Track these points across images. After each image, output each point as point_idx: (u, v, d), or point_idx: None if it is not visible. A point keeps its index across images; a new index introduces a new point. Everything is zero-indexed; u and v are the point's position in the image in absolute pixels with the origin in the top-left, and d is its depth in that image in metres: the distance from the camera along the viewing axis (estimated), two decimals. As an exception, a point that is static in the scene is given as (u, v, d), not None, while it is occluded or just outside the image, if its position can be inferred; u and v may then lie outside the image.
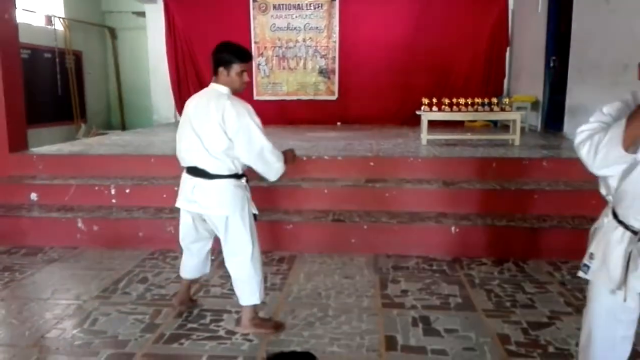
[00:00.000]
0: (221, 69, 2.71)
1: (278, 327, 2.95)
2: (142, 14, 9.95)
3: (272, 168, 2.76)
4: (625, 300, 1.93)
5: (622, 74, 5.24)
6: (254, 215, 2.92)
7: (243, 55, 2.74)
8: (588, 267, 2.12)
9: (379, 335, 2.86)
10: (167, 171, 5.15)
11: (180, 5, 9.28)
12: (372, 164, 5.11)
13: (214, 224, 2.83)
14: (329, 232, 4.36)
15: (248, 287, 2.85)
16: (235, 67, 2.70)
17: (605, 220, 2.08)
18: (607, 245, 2.04)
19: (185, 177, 2.85)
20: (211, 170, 2.70)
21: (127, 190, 4.87)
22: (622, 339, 2.08)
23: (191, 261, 3.10)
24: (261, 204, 4.55)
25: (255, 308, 2.93)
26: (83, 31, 10.34)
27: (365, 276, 3.79)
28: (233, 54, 2.71)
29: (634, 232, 1.93)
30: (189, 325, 3.01)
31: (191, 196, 2.79)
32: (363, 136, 7.13)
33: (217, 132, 2.62)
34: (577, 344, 2.73)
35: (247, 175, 2.90)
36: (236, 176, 2.76)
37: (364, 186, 4.79)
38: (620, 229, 1.99)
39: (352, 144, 6.31)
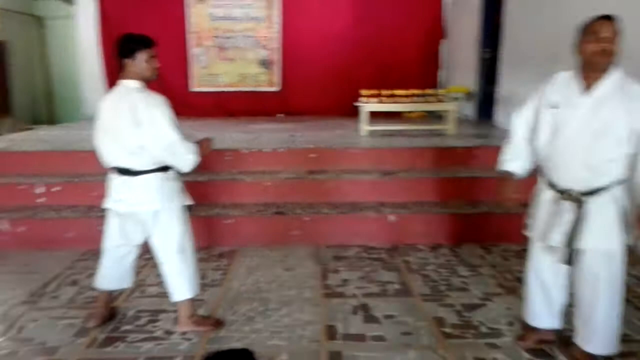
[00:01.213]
0: (127, 61, 2.58)
1: (218, 324, 2.91)
2: (71, 2, 9.43)
3: (182, 160, 2.62)
4: (569, 263, 2.37)
5: (550, 64, 5.48)
6: (189, 206, 2.84)
7: (146, 41, 2.62)
8: (527, 225, 2.59)
9: (319, 326, 2.89)
10: (97, 167, 4.84)
11: (111, -7, 8.87)
12: (313, 155, 5.11)
13: (142, 221, 2.72)
14: (270, 225, 4.33)
15: (180, 281, 2.78)
16: (141, 55, 2.58)
17: (541, 183, 2.46)
18: (538, 204, 2.49)
19: (112, 176, 2.74)
20: (135, 167, 2.61)
21: (55, 189, 4.62)
22: (552, 286, 2.53)
23: (111, 269, 2.91)
24: (200, 199, 4.49)
25: (192, 305, 2.87)
26: (8, 20, 9.67)
27: (307, 267, 3.80)
28: (136, 42, 2.60)
29: (559, 192, 2.35)
30: (124, 328, 2.91)
31: (118, 195, 2.69)
32: (304, 128, 7.12)
33: (130, 128, 2.53)
34: (507, 323, 2.89)
35: None
36: (163, 169, 2.67)
37: (305, 178, 4.79)
38: (548, 189, 2.42)
39: (294, 135, 6.28)
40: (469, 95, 7.90)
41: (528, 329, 2.71)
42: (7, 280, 3.62)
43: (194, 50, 9.10)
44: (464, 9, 8.21)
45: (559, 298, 2.57)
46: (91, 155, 5.02)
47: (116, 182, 2.70)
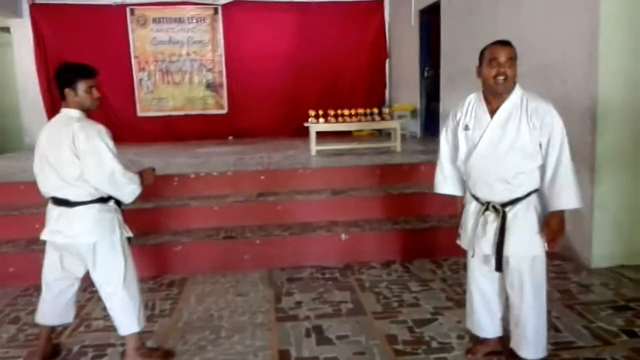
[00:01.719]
0: (67, 90, 2.55)
1: (167, 355, 2.83)
2: (7, 30, 9.10)
3: (124, 191, 2.60)
4: (499, 269, 2.50)
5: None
6: (128, 239, 2.77)
7: (87, 71, 2.60)
8: (459, 235, 2.73)
9: (272, 351, 2.86)
10: (39, 199, 4.68)
11: (49, 20, 8.62)
12: (262, 177, 5.12)
13: (81, 254, 2.63)
14: (220, 250, 4.28)
15: (125, 316, 2.69)
16: (82, 85, 2.56)
17: (467, 195, 2.64)
18: (466, 216, 2.65)
19: (50, 207, 2.64)
20: (72, 198, 2.54)
21: (-7, 223, 4.41)
22: (491, 295, 2.66)
23: (53, 304, 2.79)
24: (147, 227, 4.41)
25: (140, 337, 2.79)
26: (-64, 48, 9.24)
27: (260, 292, 3.77)
28: (76, 72, 2.58)
29: (482, 204, 2.52)
30: (68, 365, 2.79)
31: (55, 226, 2.59)
32: (254, 150, 7.12)
33: (70, 158, 2.48)
34: (457, 336, 2.95)
35: None
36: (101, 200, 2.60)
37: (256, 200, 4.78)
38: (473, 201, 2.59)
39: (243, 158, 6.27)
40: (413, 113, 8.13)
41: (476, 341, 2.80)
42: (-61, 324, 3.40)
43: (139, 75, 8.97)
44: (404, 29, 8.50)
45: (497, 306, 2.68)
46: (32, 186, 4.83)
47: (53, 213, 2.60)
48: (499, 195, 2.45)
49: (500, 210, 2.45)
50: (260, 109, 9.06)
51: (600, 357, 2.68)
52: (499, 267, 2.50)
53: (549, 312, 3.13)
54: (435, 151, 6.12)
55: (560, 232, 2.45)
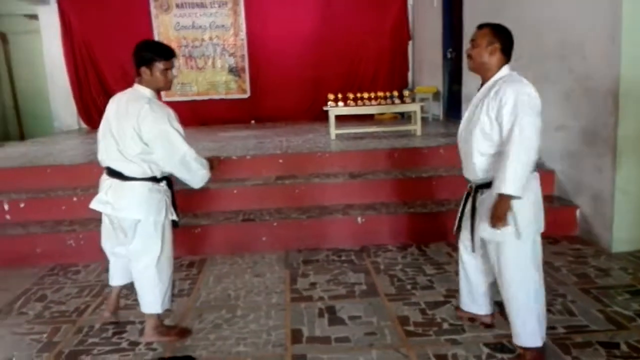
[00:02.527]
0: (143, 69, 2.61)
1: (184, 333, 2.92)
2: (35, 17, 9.32)
3: (196, 175, 2.69)
4: (472, 249, 2.63)
5: (511, 62, 5.63)
6: (173, 222, 2.85)
7: (166, 52, 2.64)
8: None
9: (285, 330, 2.92)
10: (65, 182, 4.92)
11: (75, 6, 8.79)
12: (281, 161, 5.16)
13: (123, 227, 2.70)
14: (239, 232, 4.35)
15: (150, 295, 2.78)
16: (158, 65, 2.61)
17: None
18: (462, 200, 2.71)
19: (103, 177, 2.74)
20: (126, 172, 2.62)
21: (22, 205, 4.58)
22: (473, 270, 2.75)
23: (119, 265, 2.96)
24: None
25: (159, 316, 2.89)
26: (-32, 36, 9.54)
27: (276, 273, 3.84)
28: (154, 51, 2.62)
29: (468, 183, 2.59)
30: (90, 340, 2.91)
31: (105, 197, 2.67)
32: (274, 133, 7.16)
33: (132, 135, 2.54)
34: (469, 319, 2.96)
35: (171, 179, 2.82)
36: (153, 179, 2.67)
37: (274, 184, 4.83)
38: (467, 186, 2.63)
39: (263, 142, 6.32)
40: (436, 95, 8.03)
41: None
42: (-27, 300, 3.58)
43: (162, 60, 9.05)
44: (426, 10, 8.35)
45: (478, 282, 2.78)
46: (58, 169, 5.06)
47: (106, 184, 2.69)
48: (472, 175, 2.53)
49: (475, 190, 2.54)
50: (282, 92, 9.07)
51: (614, 341, 2.66)
52: (473, 247, 2.61)
53: (563, 295, 3.15)
54: (455, 134, 6.10)
55: (499, 219, 2.30)
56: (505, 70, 2.47)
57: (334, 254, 4.19)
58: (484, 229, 2.44)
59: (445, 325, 2.92)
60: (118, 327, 3.04)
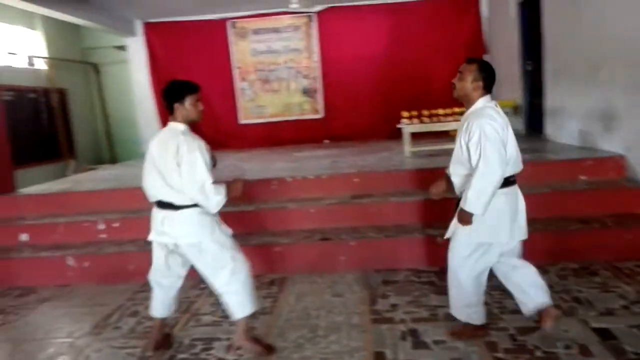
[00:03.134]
0: (177, 105, 2.82)
1: (270, 349, 2.99)
2: (123, 48, 10.06)
3: (211, 201, 2.79)
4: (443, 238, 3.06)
5: (594, 73, 5.35)
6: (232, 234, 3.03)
7: (192, 86, 2.88)
8: None
9: (367, 352, 2.89)
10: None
11: (160, 37, 9.41)
12: (356, 179, 5.17)
13: (186, 253, 2.90)
14: (317, 251, 4.39)
15: (236, 300, 2.94)
16: (189, 99, 2.83)
17: None
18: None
19: (155, 211, 2.93)
20: (176, 202, 2.80)
21: (116, 224, 4.90)
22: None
23: (162, 297, 3.10)
24: (248, 227, 4.64)
25: (249, 325, 3.01)
26: (66, 69, 10.43)
27: (355, 293, 3.82)
28: (183, 87, 2.85)
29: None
30: (180, 356, 3.03)
31: (161, 228, 2.86)
32: (348, 153, 7.20)
33: (174, 167, 2.74)
34: (564, 347, 2.79)
35: None
36: (198, 205, 2.84)
37: (350, 202, 4.84)
38: None
39: (338, 161, 6.37)
40: (515, 109, 7.74)
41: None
42: (74, 313, 3.86)
43: (240, 85, 9.45)
44: (502, 22, 8.13)
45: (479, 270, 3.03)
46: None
47: (159, 216, 2.88)
48: (458, 188, 2.92)
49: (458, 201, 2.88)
50: (355, 112, 9.14)
51: None
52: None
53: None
54: (540, 149, 5.84)
55: (464, 223, 2.80)
56: (481, 102, 2.77)
57: (413, 274, 4.11)
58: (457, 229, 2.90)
59: (538, 353, 2.76)
60: (206, 343, 3.15)
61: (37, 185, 6.55)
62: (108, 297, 4.13)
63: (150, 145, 2.92)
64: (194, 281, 4.15)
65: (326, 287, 3.98)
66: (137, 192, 5.29)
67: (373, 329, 3.19)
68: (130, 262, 4.49)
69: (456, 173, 2.89)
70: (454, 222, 2.92)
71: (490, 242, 2.85)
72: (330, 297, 3.76)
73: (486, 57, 9.04)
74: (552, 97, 6.47)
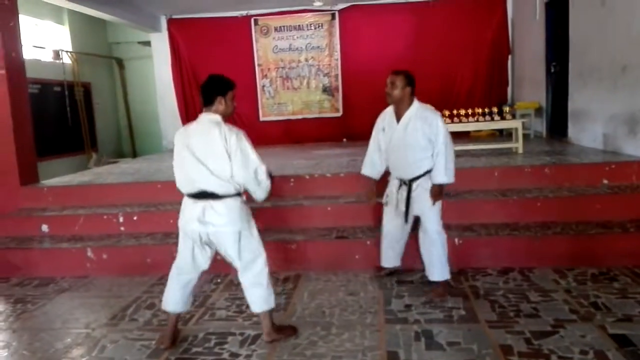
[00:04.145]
0: (219, 98, 2.90)
1: (294, 331, 3.14)
2: (147, 44, 10.19)
3: (263, 187, 2.93)
4: (406, 221, 3.78)
5: (621, 75, 5.23)
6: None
7: (233, 83, 3.00)
8: (384, 202, 3.95)
9: (380, 352, 2.87)
10: (173, 196, 5.19)
11: (184, 33, 9.50)
12: (374, 179, 5.13)
13: (223, 242, 2.93)
14: (333, 249, 4.38)
15: (266, 292, 3.03)
16: (230, 94, 2.95)
17: (391, 176, 3.86)
18: (390, 189, 3.86)
19: (189, 202, 2.94)
20: (219, 191, 2.85)
21: (135, 218, 4.97)
22: (396, 236, 3.94)
23: (180, 292, 3.11)
24: (266, 224, 4.66)
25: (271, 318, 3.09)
26: (91, 63, 10.61)
27: (370, 292, 3.80)
28: (228, 83, 2.96)
29: (399, 180, 3.72)
30: (194, 350, 3.05)
31: (203, 217, 2.88)
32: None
33: (224, 156, 2.80)
34: (581, 352, 2.73)
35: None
36: (239, 194, 2.94)
37: (367, 202, 4.80)
38: (395, 180, 3.78)
39: (356, 160, 6.33)
40: (538, 111, 7.62)
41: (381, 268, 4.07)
42: (92, 304, 3.92)
43: (262, 82, 9.49)
44: (528, 23, 8.00)
45: (400, 245, 3.97)
46: (167, 184, 5.41)
47: (198, 207, 2.89)
48: (406, 174, 3.64)
49: (408, 183, 3.63)
50: (374, 111, 8.89)
51: None
52: (407, 218, 3.73)
53: None
54: (562, 152, 5.74)
55: (438, 197, 3.59)
56: (416, 103, 3.62)
57: (429, 275, 4.06)
58: (418, 206, 3.64)
59: (554, 358, 2.71)
60: (220, 338, 3.17)
61: (59, 177, 6.68)
62: (125, 289, 4.19)
63: (183, 138, 2.92)
64: (210, 276, 4.20)
65: (341, 285, 3.97)
66: (156, 186, 5.41)
67: (387, 328, 3.17)
68: (148, 255, 4.54)
69: (416, 158, 3.56)
70: (422, 201, 3.61)
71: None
72: (344, 296, 3.75)
73: (510, 58, 8.93)
74: (576, 100, 6.35)
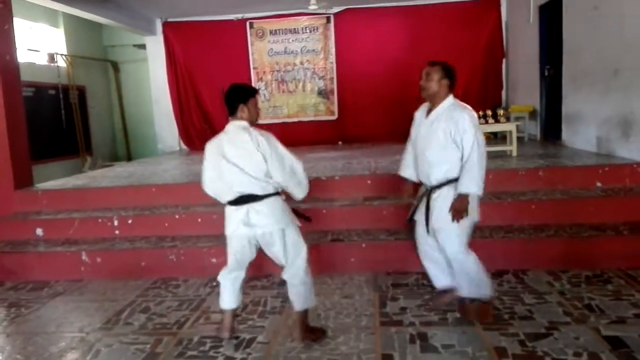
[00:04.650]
0: (242, 106, 2.97)
1: (324, 332, 3.18)
2: (143, 47, 10.18)
3: (302, 183, 3.04)
4: (428, 232, 3.28)
5: (613, 78, 5.27)
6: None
7: (254, 89, 3.12)
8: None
9: (376, 355, 2.88)
10: (168, 200, 5.25)
11: (179, 36, 9.50)
12: (369, 182, 5.16)
13: (268, 241, 3.00)
14: (328, 252, 4.39)
15: (306, 291, 3.10)
16: (252, 101, 3.02)
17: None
18: (418, 194, 3.40)
19: (232, 209, 3.00)
20: (260, 192, 2.91)
21: (130, 221, 4.95)
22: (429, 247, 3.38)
23: (231, 290, 3.18)
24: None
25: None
26: (86, 66, 10.58)
27: (365, 295, 3.81)
28: (249, 90, 3.05)
29: (426, 187, 3.28)
30: (189, 353, 3.05)
31: (248, 220, 2.93)
32: (362, 154, 7.19)
33: (258, 158, 2.86)
34: (574, 354, 2.75)
35: None
36: (278, 193, 3.01)
37: (362, 205, 4.83)
38: (422, 185, 3.34)
39: (351, 163, 6.36)
40: (532, 114, 7.66)
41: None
42: (86, 308, 3.90)
43: (257, 85, 9.51)
44: (522, 27, 8.06)
45: (435, 258, 3.39)
46: (162, 188, 5.42)
47: (242, 211, 2.94)
48: (429, 176, 3.21)
49: (429, 191, 3.22)
50: (369, 114, 9.12)
51: None
52: (427, 229, 3.26)
53: None
54: (556, 155, 5.77)
55: (461, 212, 3.04)
56: (450, 99, 3.15)
57: (423, 277, 4.04)
58: (436, 220, 3.16)
59: (548, 359, 2.73)
60: (215, 341, 3.17)
61: (54, 180, 6.66)
62: (119, 292, 4.17)
63: (215, 148, 2.97)
64: (200, 280, 4.20)
65: (336, 288, 3.97)
66: (150, 190, 5.40)
67: (382, 331, 3.18)
68: (142, 258, 4.53)
69: (439, 158, 3.14)
70: (436, 218, 3.16)
71: (477, 220, 3.21)
72: (339, 299, 3.75)
73: (504, 61, 8.97)
74: (570, 103, 6.39)
